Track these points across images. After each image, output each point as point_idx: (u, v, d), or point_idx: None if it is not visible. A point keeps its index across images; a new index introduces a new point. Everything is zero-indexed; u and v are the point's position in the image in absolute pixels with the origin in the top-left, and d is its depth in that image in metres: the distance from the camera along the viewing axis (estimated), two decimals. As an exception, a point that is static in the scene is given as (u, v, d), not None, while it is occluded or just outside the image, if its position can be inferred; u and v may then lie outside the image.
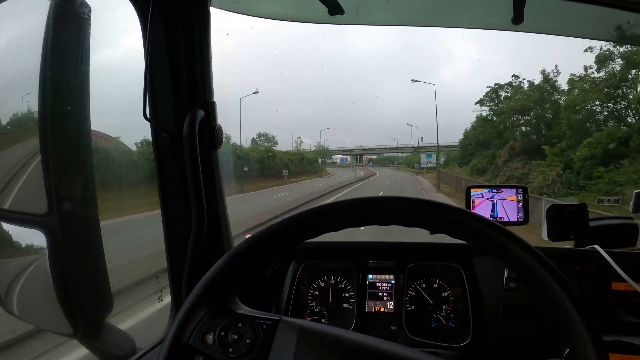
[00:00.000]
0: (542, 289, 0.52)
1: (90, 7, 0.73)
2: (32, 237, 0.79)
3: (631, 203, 1.41)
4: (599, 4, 0.99)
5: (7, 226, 0.83)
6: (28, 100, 0.73)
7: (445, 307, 1.11)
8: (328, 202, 0.60)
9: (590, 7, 1.00)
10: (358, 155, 46.03)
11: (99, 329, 0.80)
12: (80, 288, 0.76)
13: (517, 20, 0.97)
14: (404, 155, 44.89)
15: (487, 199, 1.18)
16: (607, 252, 1.04)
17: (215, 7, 0.89)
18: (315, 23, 1.00)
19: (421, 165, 31.18)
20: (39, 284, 0.83)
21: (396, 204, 0.58)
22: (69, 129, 0.73)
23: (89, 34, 0.72)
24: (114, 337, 0.84)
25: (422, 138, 36.30)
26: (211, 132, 0.91)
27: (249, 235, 0.60)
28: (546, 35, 1.15)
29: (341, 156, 45.35)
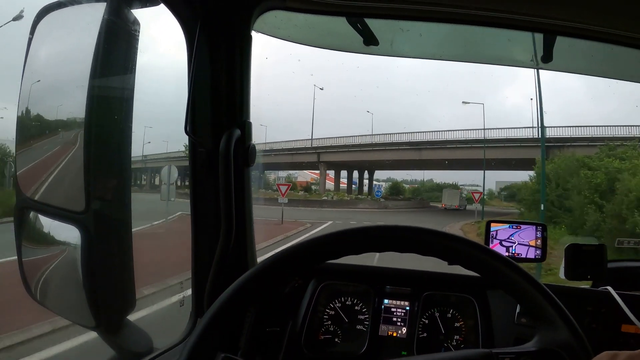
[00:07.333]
0: (547, 324, 0.56)
1: (139, 25, 0.78)
2: (66, 232, 0.83)
3: None
4: (630, 46, 1.00)
5: (44, 219, 0.89)
6: (76, 107, 0.78)
7: (456, 337, 1.11)
8: (350, 228, 0.63)
9: (620, 48, 1.00)
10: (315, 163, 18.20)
11: (119, 325, 0.85)
12: (107, 285, 0.81)
13: (547, 59, 0.99)
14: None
15: (505, 238, 1.18)
16: (619, 294, 1.03)
17: (257, 31, 0.94)
18: (350, 52, 1.05)
19: None
20: (67, 276, 0.88)
21: (416, 234, 0.61)
22: (112, 137, 0.78)
23: (137, 49, 0.78)
24: (133, 334, 0.88)
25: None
26: (245, 151, 0.96)
27: (272, 253, 0.63)
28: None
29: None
